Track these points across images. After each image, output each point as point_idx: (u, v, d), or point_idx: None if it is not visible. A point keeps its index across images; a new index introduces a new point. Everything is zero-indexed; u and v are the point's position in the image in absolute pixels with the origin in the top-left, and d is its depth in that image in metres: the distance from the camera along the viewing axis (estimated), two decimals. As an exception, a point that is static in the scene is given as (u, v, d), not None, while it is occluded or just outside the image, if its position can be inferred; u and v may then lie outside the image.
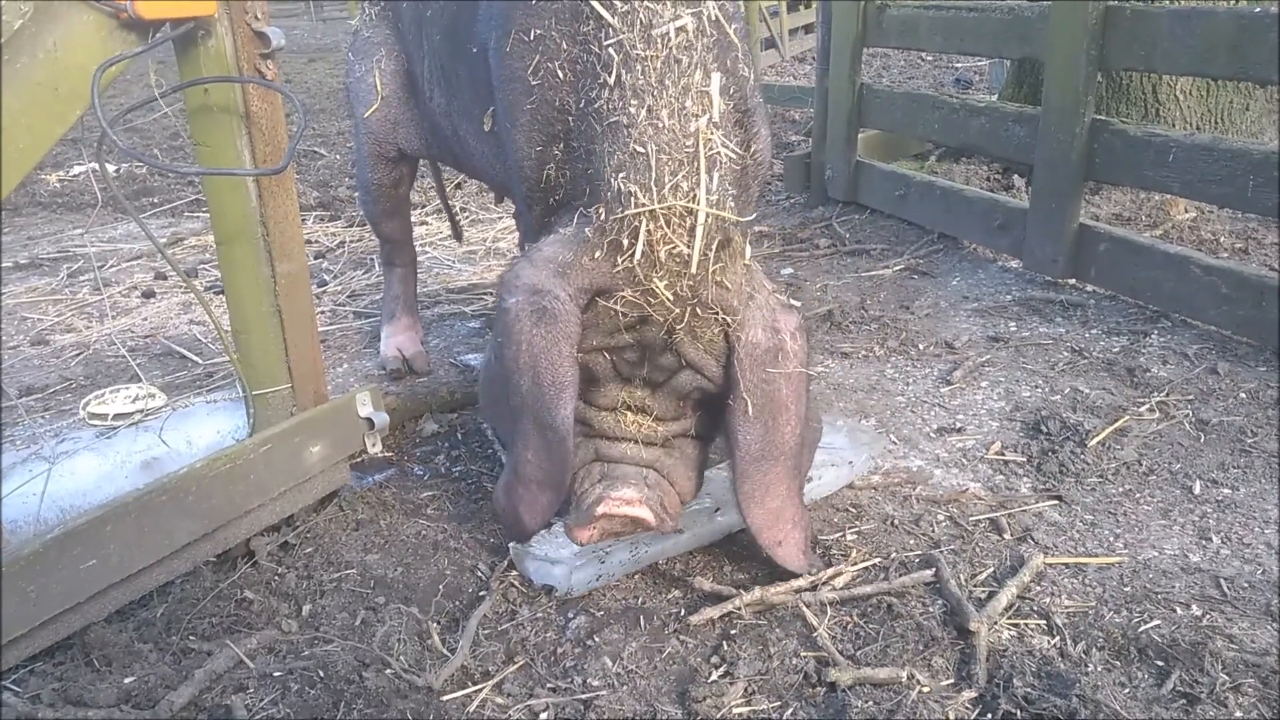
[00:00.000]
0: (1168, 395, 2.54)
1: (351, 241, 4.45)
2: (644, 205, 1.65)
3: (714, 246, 1.68)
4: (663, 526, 1.78)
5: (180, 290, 3.77)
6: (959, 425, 2.51)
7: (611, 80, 1.70)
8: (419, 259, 3.22)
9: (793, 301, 1.83)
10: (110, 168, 6.04)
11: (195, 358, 3.10)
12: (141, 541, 1.68)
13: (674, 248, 1.66)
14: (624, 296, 1.69)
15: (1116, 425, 2.40)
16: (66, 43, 1.51)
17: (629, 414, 1.82)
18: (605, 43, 1.71)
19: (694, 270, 1.67)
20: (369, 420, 2.07)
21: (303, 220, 2.69)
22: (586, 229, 1.71)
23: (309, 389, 2.00)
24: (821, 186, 4.63)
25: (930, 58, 9.42)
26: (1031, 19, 3.46)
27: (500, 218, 4.64)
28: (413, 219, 3.15)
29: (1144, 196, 3.96)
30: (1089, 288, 3.33)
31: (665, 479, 1.82)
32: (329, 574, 1.94)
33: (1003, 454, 2.34)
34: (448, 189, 5.09)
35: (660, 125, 1.67)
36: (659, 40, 1.68)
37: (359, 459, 2.17)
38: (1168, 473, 2.22)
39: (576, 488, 1.82)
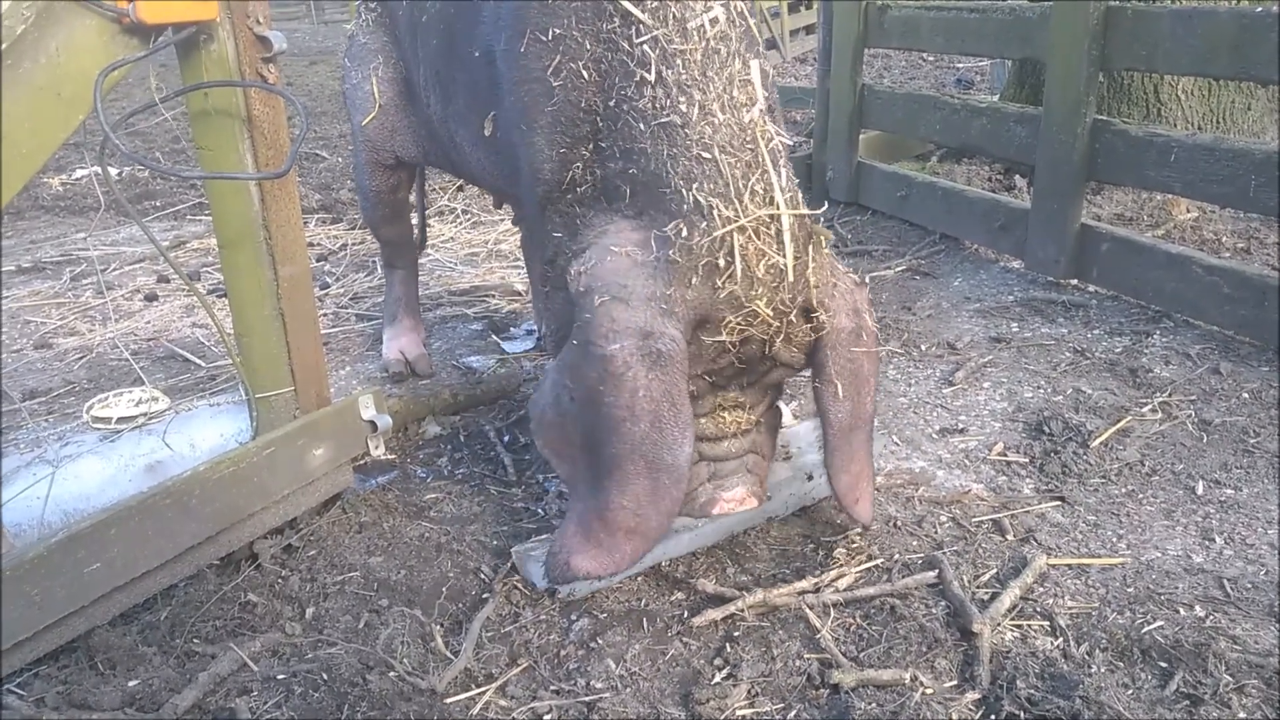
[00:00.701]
0: (1170, 396, 2.54)
1: (354, 244, 4.45)
2: (730, 219, 1.60)
3: (805, 248, 1.66)
4: (760, 502, 1.87)
5: (183, 293, 3.78)
6: (961, 426, 2.51)
7: (652, 77, 1.66)
8: (420, 261, 3.22)
9: (866, 280, 1.85)
10: (113, 171, 6.05)
11: (198, 361, 3.11)
12: (145, 545, 1.68)
13: (769, 259, 1.62)
14: (730, 324, 1.66)
15: (1119, 426, 2.40)
16: (69, 47, 1.51)
17: (726, 414, 1.83)
18: (638, 40, 1.67)
19: (790, 279, 1.65)
20: (372, 423, 2.07)
21: (305, 223, 2.69)
22: (670, 252, 1.64)
23: (312, 392, 2.01)
24: (823, 187, 4.64)
25: (931, 58, 9.42)
26: (1033, 19, 3.46)
27: (501, 220, 4.64)
28: (413, 221, 3.16)
29: (1146, 196, 3.96)
30: (1091, 288, 3.33)
31: (759, 455, 1.88)
32: (332, 576, 1.94)
33: (1005, 455, 2.34)
34: (450, 190, 5.11)
35: (716, 122, 1.64)
36: (695, 33, 1.66)
37: (362, 461, 2.17)
38: (1170, 473, 2.22)
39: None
